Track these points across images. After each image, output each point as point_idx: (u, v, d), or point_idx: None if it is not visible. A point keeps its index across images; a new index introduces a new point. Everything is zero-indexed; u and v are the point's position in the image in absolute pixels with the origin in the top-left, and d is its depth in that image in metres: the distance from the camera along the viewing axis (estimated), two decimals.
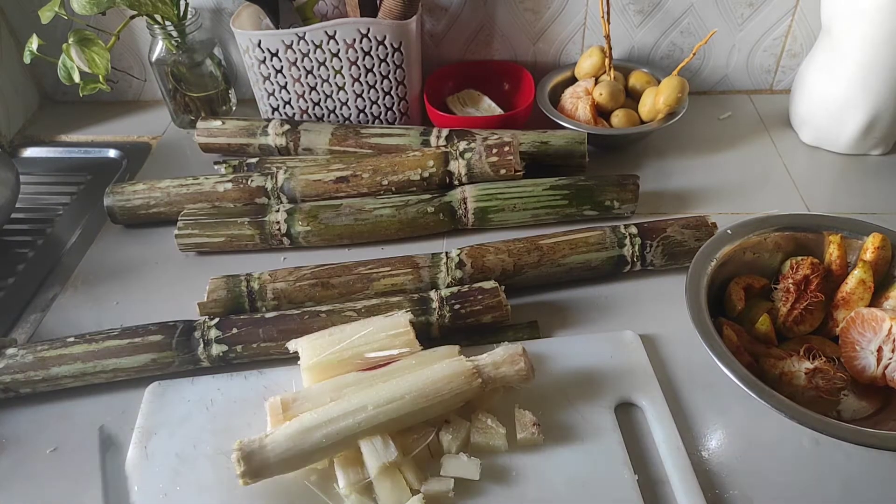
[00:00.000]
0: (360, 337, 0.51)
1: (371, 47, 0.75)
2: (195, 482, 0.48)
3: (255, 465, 0.44)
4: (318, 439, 0.45)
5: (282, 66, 0.77)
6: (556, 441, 0.49)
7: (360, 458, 0.47)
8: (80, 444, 0.52)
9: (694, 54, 0.76)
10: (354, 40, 0.75)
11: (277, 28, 0.78)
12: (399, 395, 0.47)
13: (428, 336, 0.57)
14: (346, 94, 0.80)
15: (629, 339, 0.57)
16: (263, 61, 0.77)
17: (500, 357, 0.50)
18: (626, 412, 0.52)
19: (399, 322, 0.52)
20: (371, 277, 0.60)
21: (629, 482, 0.47)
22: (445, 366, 0.49)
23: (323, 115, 0.83)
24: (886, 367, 0.50)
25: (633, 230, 0.63)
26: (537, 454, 0.49)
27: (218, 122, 0.78)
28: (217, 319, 0.57)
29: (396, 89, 0.80)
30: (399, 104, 0.81)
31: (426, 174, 0.69)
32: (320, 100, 0.81)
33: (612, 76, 0.80)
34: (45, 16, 0.70)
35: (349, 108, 0.82)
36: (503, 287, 0.58)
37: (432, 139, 0.74)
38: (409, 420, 0.48)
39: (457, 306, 0.57)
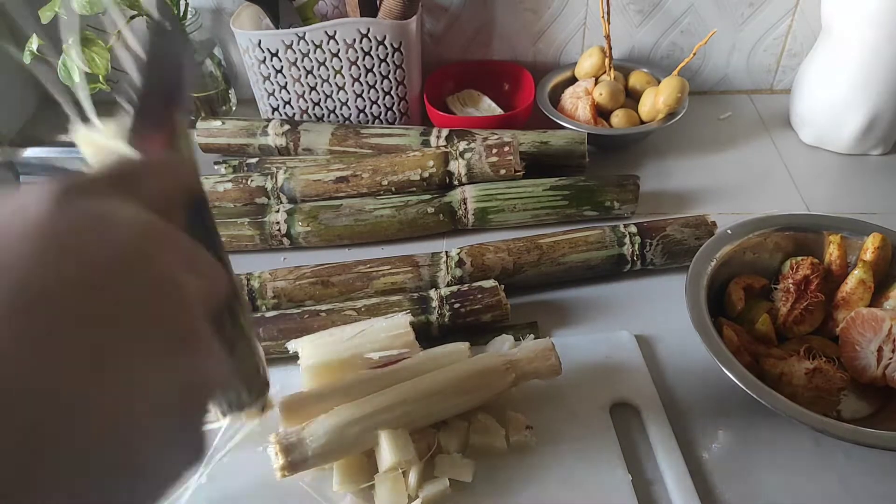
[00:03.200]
0: (360, 337, 0.51)
1: (371, 47, 0.75)
2: (191, 482, 0.48)
3: (295, 458, 0.44)
4: (357, 432, 0.45)
5: (282, 66, 0.77)
6: (550, 441, 0.49)
7: (359, 459, 0.47)
8: None
9: (694, 54, 0.76)
10: (354, 40, 0.75)
11: (277, 28, 0.78)
12: (437, 389, 0.47)
13: (428, 335, 0.57)
14: (346, 94, 0.80)
15: (625, 340, 0.57)
16: (263, 61, 0.77)
17: (531, 352, 0.50)
18: (621, 412, 0.52)
19: (399, 323, 0.52)
20: (371, 276, 0.60)
21: (624, 483, 0.47)
22: (480, 361, 0.49)
23: (323, 115, 0.83)
24: (886, 367, 0.50)
25: (633, 229, 0.63)
26: (532, 454, 0.49)
27: (218, 122, 0.78)
28: None
29: (396, 89, 0.80)
30: (399, 104, 0.81)
31: (426, 174, 0.69)
32: (320, 100, 0.81)
33: (612, 76, 0.80)
34: (45, 16, 0.70)
35: (349, 108, 0.82)
36: (503, 286, 0.58)
37: (432, 139, 0.74)
38: (444, 415, 0.48)
39: (457, 305, 0.57)
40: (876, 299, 0.55)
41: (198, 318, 0.21)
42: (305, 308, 0.58)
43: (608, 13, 0.77)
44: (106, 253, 0.19)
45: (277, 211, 0.68)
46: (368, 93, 0.80)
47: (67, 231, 0.19)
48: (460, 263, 0.61)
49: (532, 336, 0.57)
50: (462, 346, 0.52)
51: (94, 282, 0.18)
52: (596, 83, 0.79)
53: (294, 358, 0.53)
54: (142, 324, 0.19)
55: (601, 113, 0.79)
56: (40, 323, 0.17)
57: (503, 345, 0.54)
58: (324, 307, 0.58)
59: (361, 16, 0.76)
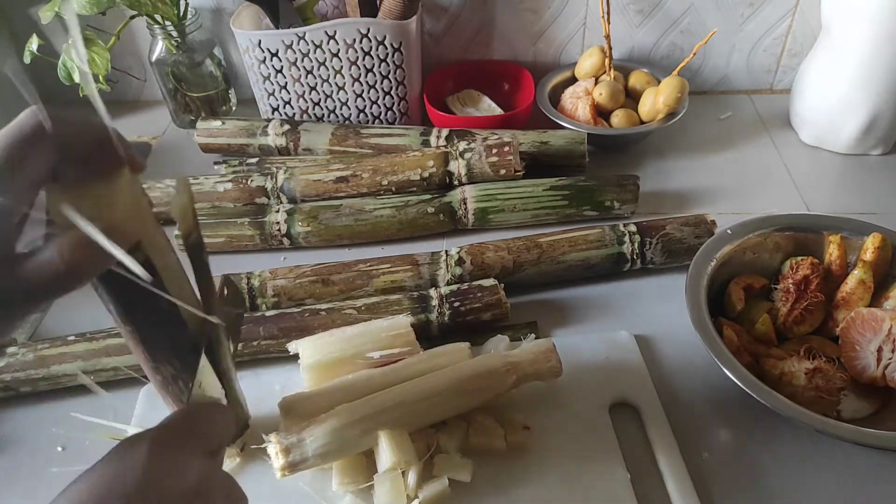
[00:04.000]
0: (361, 336, 0.51)
1: (371, 47, 0.75)
2: None
3: (295, 458, 0.44)
4: (356, 434, 0.45)
5: (282, 66, 0.77)
6: (550, 441, 0.49)
7: (358, 459, 0.47)
8: (81, 444, 0.52)
9: (694, 54, 0.76)
10: (354, 40, 0.75)
11: (277, 28, 0.78)
12: (436, 391, 0.47)
13: (428, 334, 0.57)
14: (346, 94, 0.80)
15: (624, 339, 0.57)
16: (263, 61, 0.77)
17: (532, 353, 0.50)
18: (621, 412, 0.52)
19: (400, 323, 0.53)
20: (371, 274, 0.60)
21: (623, 482, 0.47)
22: (480, 362, 0.49)
23: (323, 115, 0.83)
24: (886, 367, 0.50)
25: (633, 228, 0.63)
26: (531, 454, 0.49)
27: (218, 122, 0.78)
28: None
29: (396, 89, 0.80)
30: (399, 104, 0.81)
31: (426, 174, 0.69)
32: (320, 100, 0.81)
33: (612, 76, 0.80)
34: (45, 16, 0.70)
35: (349, 108, 0.82)
36: (503, 285, 0.58)
37: (432, 139, 0.74)
38: (443, 415, 0.48)
39: (456, 304, 0.57)
40: (876, 299, 0.55)
41: None
42: (306, 307, 0.58)
43: (608, 13, 0.77)
44: (182, 492, 0.29)
45: (277, 211, 0.68)
46: (368, 93, 0.80)
47: (160, 474, 0.28)
48: (460, 262, 0.61)
49: (533, 336, 0.57)
50: (462, 346, 0.52)
51: None
52: (596, 83, 0.79)
53: (294, 357, 0.53)
54: None
55: (601, 113, 0.79)
56: None
57: (499, 345, 0.54)
58: (324, 306, 0.58)
59: (361, 16, 0.76)
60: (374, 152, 0.75)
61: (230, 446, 0.48)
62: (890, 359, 0.50)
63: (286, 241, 0.68)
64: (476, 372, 0.48)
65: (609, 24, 0.77)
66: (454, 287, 0.58)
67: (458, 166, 0.68)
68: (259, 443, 0.47)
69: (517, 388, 0.50)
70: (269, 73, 0.78)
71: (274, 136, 0.76)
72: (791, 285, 0.55)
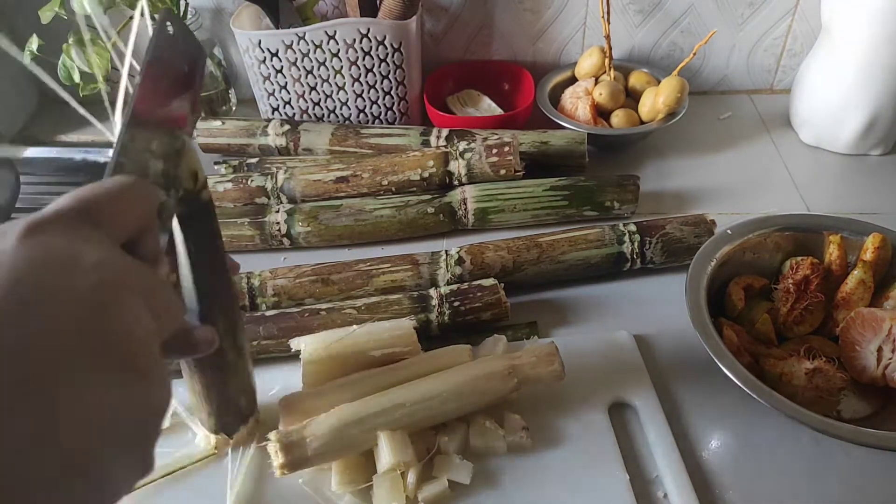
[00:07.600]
0: (363, 335, 0.51)
1: (371, 47, 0.75)
2: (189, 483, 0.48)
3: (295, 457, 0.44)
4: (356, 434, 0.45)
5: (282, 66, 0.77)
6: (549, 441, 0.49)
7: (357, 459, 0.47)
8: None
9: (694, 54, 0.76)
10: (354, 40, 0.75)
11: (277, 28, 0.78)
12: (437, 393, 0.47)
13: (427, 334, 0.57)
14: (346, 94, 0.80)
15: (623, 340, 0.57)
16: (263, 61, 0.77)
17: (535, 356, 0.50)
18: (619, 412, 0.52)
19: (402, 323, 0.52)
20: (371, 274, 0.60)
21: (622, 483, 0.47)
22: (482, 364, 0.49)
23: (323, 115, 0.83)
24: (886, 367, 0.50)
25: (633, 227, 0.63)
26: (530, 455, 0.49)
27: (218, 123, 0.78)
28: None
29: (396, 89, 0.80)
30: (399, 104, 0.81)
31: (426, 174, 0.69)
32: (320, 100, 0.81)
33: (612, 76, 0.80)
34: (45, 16, 0.70)
35: (349, 108, 0.82)
36: (503, 284, 0.58)
37: (432, 139, 0.74)
38: (443, 417, 0.48)
39: (456, 303, 0.57)
40: (876, 299, 0.55)
41: (150, 355, 0.23)
42: (305, 306, 0.58)
43: (608, 13, 0.77)
44: (64, 309, 0.20)
45: (277, 211, 0.68)
46: (368, 93, 0.80)
47: (35, 265, 0.20)
48: (460, 262, 0.61)
49: (536, 337, 0.57)
50: (464, 348, 0.52)
51: (50, 338, 0.20)
52: (596, 83, 0.79)
53: (295, 357, 0.53)
54: (95, 365, 0.20)
55: (601, 113, 0.79)
56: (5, 374, 0.19)
57: (497, 344, 0.54)
58: (324, 305, 0.58)
59: (361, 16, 0.76)
60: (374, 152, 0.75)
61: (238, 430, 0.46)
62: (890, 359, 0.50)
63: (286, 241, 0.68)
64: (478, 375, 0.48)
65: (609, 24, 0.77)
66: (454, 286, 0.58)
67: (458, 166, 0.68)
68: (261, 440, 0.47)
69: (518, 391, 0.50)
70: (269, 73, 0.78)
71: (274, 136, 0.76)
72: (791, 285, 0.55)
